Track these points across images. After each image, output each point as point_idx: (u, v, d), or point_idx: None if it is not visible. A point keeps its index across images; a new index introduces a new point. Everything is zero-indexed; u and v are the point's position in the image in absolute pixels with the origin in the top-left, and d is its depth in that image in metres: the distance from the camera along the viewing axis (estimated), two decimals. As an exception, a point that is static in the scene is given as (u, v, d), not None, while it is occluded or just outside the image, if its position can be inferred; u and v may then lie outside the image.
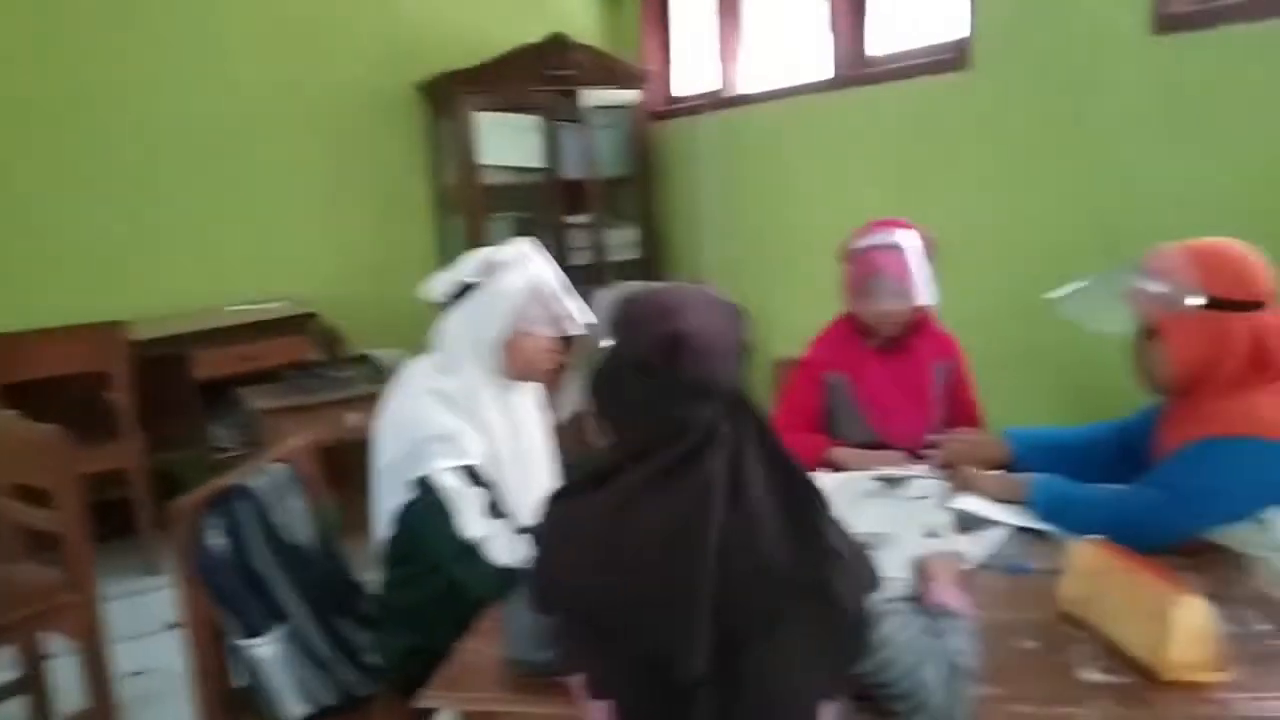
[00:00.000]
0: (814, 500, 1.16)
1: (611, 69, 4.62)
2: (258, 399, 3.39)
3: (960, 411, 2.31)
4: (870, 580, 1.17)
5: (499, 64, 4.29)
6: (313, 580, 1.93)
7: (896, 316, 2.24)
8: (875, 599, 1.15)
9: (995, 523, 1.76)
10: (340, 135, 4.51)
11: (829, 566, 1.12)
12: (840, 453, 2.18)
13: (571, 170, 4.57)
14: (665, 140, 4.81)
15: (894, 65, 3.48)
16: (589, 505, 1.19)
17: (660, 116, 4.81)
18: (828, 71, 3.74)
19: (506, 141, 4.44)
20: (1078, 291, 1.72)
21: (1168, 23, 2.51)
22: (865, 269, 2.23)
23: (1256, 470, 1.50)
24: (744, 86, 4.35)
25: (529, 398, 1.98)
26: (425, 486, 1.75)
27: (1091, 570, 1.38)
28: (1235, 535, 1.58)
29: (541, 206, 4.59)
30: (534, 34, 4.41)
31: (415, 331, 4.57)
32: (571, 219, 4.61)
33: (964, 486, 1.89)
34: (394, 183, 4.65)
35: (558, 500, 1.26)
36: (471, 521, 1.71)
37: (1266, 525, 1.54)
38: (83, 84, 3.96)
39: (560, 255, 4.57)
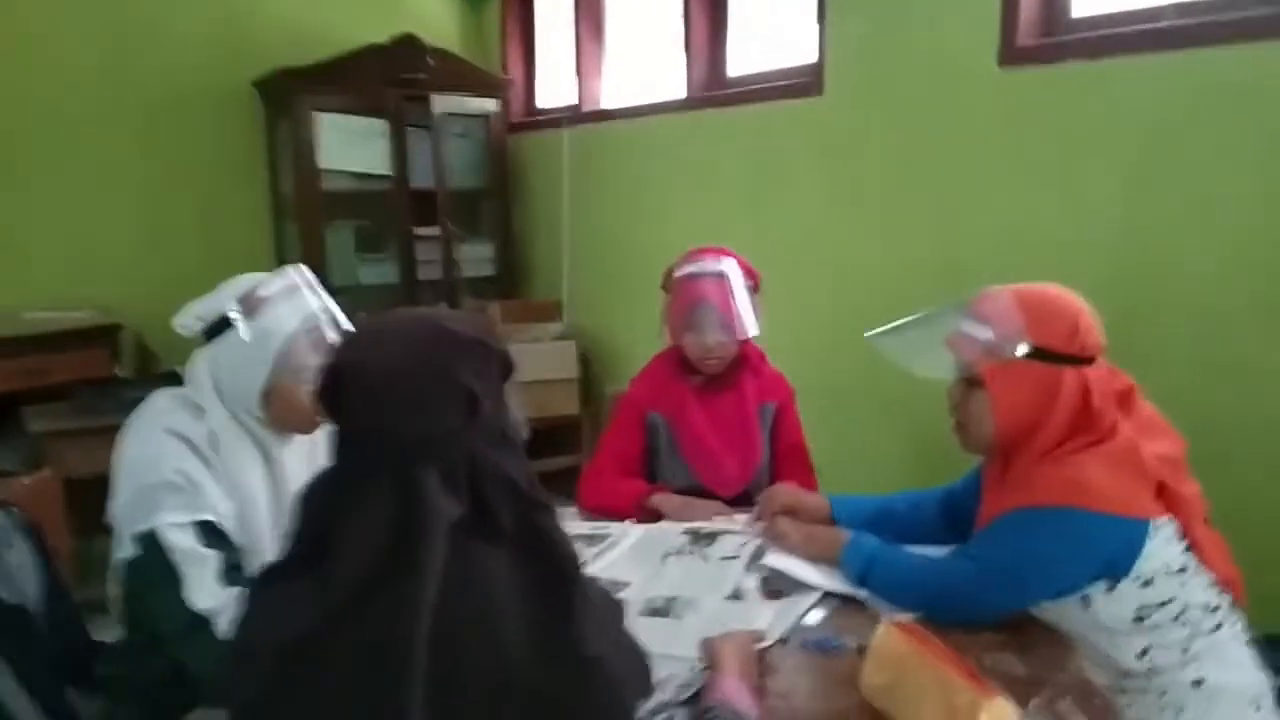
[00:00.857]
0: (572, 595, 0.94)
1: (468, 75, 4.38)
2: (39, 419, 3.02)
3: (788, 456, 2.17)
4: (639, 689, 0.98)
5: (342, 63, 4.01)
6: (28, 646, 1.63)
7: (721, 350, 2.08)
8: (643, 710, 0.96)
9: (806, 586, 1.59)
10: (168, 132, 4.12)
11: (583, 680, 0.91)
12: (661, 500, 1.99)
13: (421, 179, 4.30)
14: (525, 153, 4.60)
15: (749, 87, 3.36)
16: (293, 598, 0.95)
17: (521, 128, 4.60)
18: (681, 91, 3.60)
19: (349, 146, 4.14)
20: (899, 329, 1.58)
21: (1014, 55, 2.45)
22: (688, 298, 2.08)
23: (1076, 544, 1.38)
24: (605, 102, 4.18)
25: (298, 449, 1.69)
26: (150, 543, 1.48)
27: (893, 656, 1.22)
28: (1059, 611, 1.46)
29: (388, 216, 4.30)
30: (385, 34, 4.14)
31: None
32: (421, 231, 4.33)
33: (776, 540, 1.74)
34: (226, 186, 4.29)
35: (266, 581, 1.01)
36: (201, 589, 1.44)
37: (1090, 602, 1.42)
38: None
39: (408, 269, 4.32)
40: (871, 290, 2.89)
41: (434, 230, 4.34)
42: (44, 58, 3.82)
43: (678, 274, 2.11)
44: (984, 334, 1.46)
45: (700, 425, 2.11)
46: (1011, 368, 1.44)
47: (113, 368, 3.41)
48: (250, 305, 1.58)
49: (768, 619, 1.48)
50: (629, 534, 1.83)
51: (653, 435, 2.13)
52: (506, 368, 0.98)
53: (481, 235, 4.59)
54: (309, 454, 1.67)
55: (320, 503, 0.95)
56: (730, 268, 2.09)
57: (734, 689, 1.17)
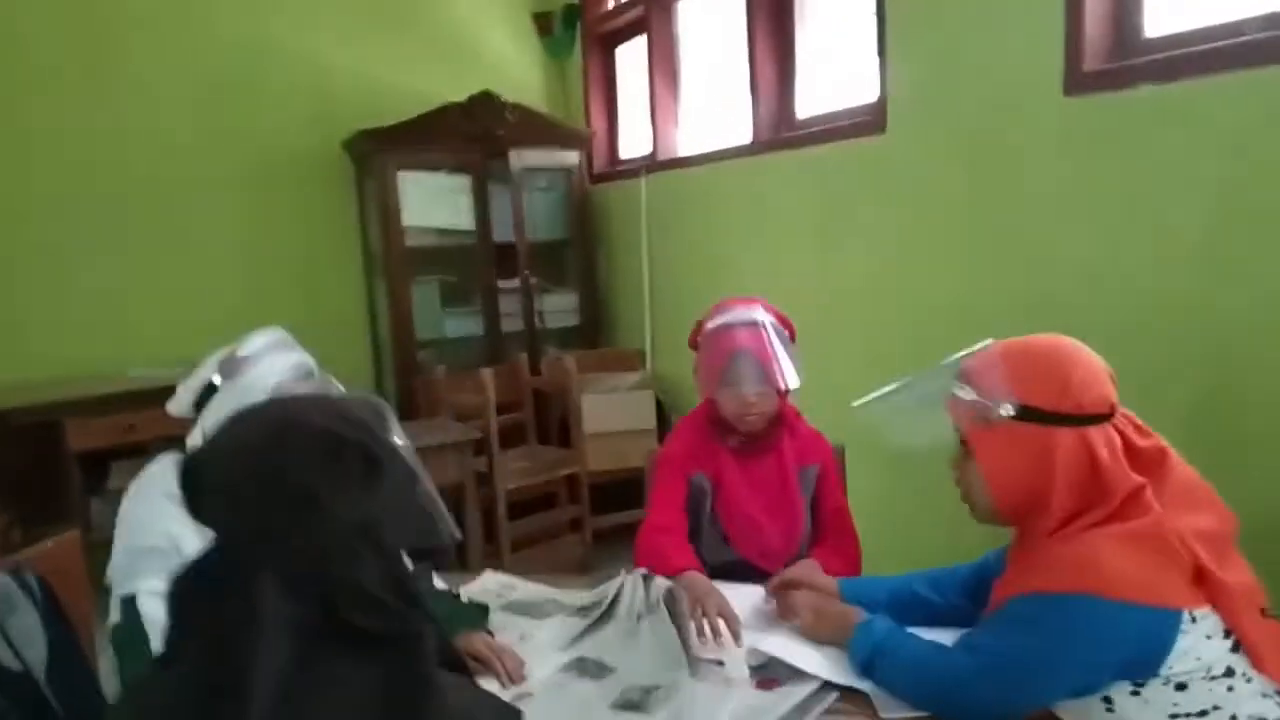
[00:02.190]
0: (423, 711, 0.85)
1: (549, 129, 4.42)
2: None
3: (829, 522, 2.00)
4: None
5: (422, 121, 4.11)
6: (30, 713, 1.64)
7: (762, 404, 1.94)
8: None
9: (804, 674, 1.44)
10: (263, 194, 4.32)
11: None
12: (690, 581, 1.75)
13: (504, 233, 4.34)
14: (607, 203, 4.59)
15: (816, 129, 3.24)
16: (153, 692, 0.90)
17: (603, 179, 4.60)
18: (747, 136, 3.51)
19: (432, 202, 4.23)
20: (891, 395, 1.43)
21: (1080, 82, 2.25)
22: (722, 349, 1.94)
23: (1088, 638, 1.19)
24: (681, 149, 4.13)
25: None
26: (130, 608, 1.47)
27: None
28: (1081, 712, 1.26)
29: (471, 270, 4.35)
30: (469, 92, 4.22)
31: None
32: (504, 283, 4.37)
33: (785, 616, 1.59)
34: (320, 245, 4.45)
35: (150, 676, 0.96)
36: (165, 662, 1.42)
37: (1114, 706, 1.22)
38: None
39: (492, 321, 4.35)
40: (942, 330, 2.69)
41: (516, 283, 4.36)
42: (146, 126, 4.06)
43: (709, 326, 1.98)
44: (969, 395, 1.30)
45: (740, 493, 1.96)
46: (999, 431, 1.28)
47: (198, 425, 3.52)
48: (230, 368, 1.59)
49: (766, 717, 1.34)
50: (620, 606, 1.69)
51: (695, 498, 1.99)
52: (368, 462, 0.90)
53: (566, 286, 4.58)
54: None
55: (179, 599, 0.90)
56: (763, 315, 1.96)
57: None
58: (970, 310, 2.62)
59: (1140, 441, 1.27)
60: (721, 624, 1.58)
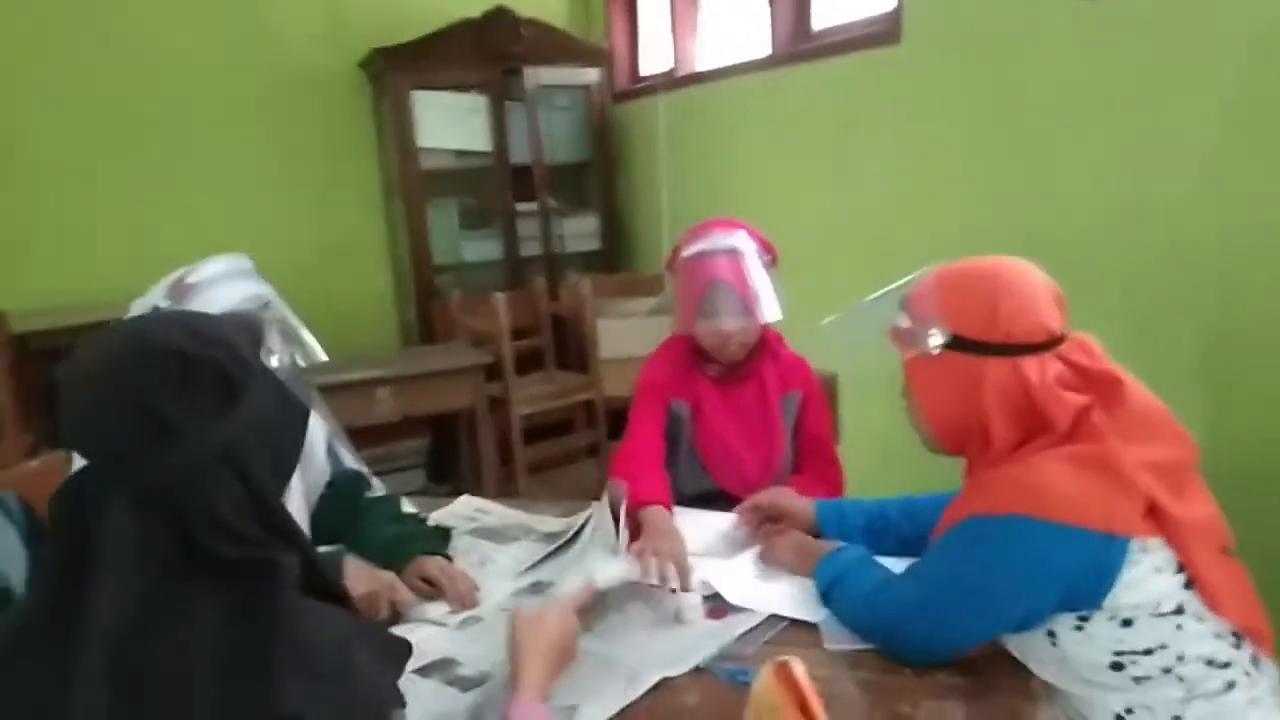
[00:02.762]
0: (274, 643, 0.81)
1: (566, 46, 4.30)
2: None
3: (808, 449, 1.95)
4: None
5: (435, 39, 4.01)
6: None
7: (741, 336, 1.88)
8: None
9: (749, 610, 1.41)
10: (284, 116, 4.26)
11: None
12: (649, 517, 1.67)
13: (522, 154, 4.26)
14: (627, 123, 4.47)
15: (831, 40, 3.09)
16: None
17: (625, 97, 4.48)
18: (766, 48, 3.37)
19: (447, 123, 4.15)
20: (840, 321, 1.36)
21: (1099, -17, 2.09)
22: (699, 280, 1.87)
23: (1027, 561, 1.13)
24: (699, 64, 3.99)
25: None
26: None
27: (765, 705, 1.04)
28: (1025, 648, 1.21)
29: (489, 193, 4.30)
30: (485, 8, 4.11)
31: (361, 328, 4.45)
32: (522, 206, 4.30)
33: (766, 558, 1.56)
34: (339, 169, 4.40)
35: None
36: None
37: (1057, 640, 1.17)
38: None
39: (511, 245, 4.30)
40: (956, 250, 2.57)
41: (534, 206, 4.30)
42: (162, 49, 4.00)
43: (685, 253, 1.91)
44: (905, 323, 1.24)
45: (719, 421, 1.92)
46: (931, 361, 1.23)
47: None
48: (178, 293, 1.54)
49: (705, 646, 1.32)
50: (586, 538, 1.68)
51: (673, 426, 1.95)
52: (225, 382, 0.87)
53: (586, 209, 4.51)
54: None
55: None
56: (744, 242, 1.88)
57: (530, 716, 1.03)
58: (984, 230, 2.51)
59: (1091, 365, 1.18)
60: (671, 568, 1.50)
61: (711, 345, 1.90)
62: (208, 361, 0.85)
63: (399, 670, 0.93)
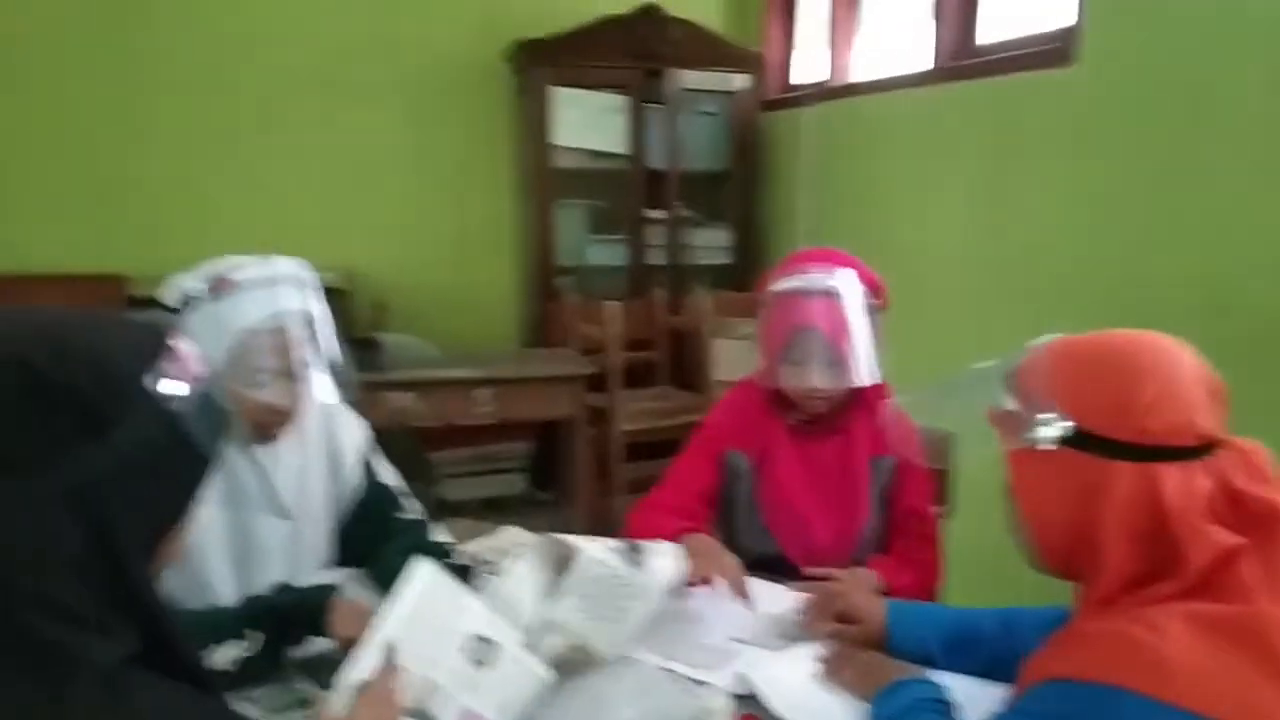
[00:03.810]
0: None
1: (716, 50, 4.09)
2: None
3: (903, 525, 1.68)
4: None
5: (580, 35, 3.88)
6: None
7: (827, 392, 1.64)
8: None
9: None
10: (428, 103, 4.21)
11: None
12: (693, 541, 1.52)
13: (657, 159, 4.09)
14: (774, 133, 4.23)
15: (998, 57, 2.77)
16: None
17: (775, 106, 4.23)
18: (927, 62, 3.07)
19: (585, 122, 4.02)
20: (931, 396, 1.11)
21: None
22: (787, 321, 1.64)
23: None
24: (854, 75, 3.71)
25: (251, 460, 1.49)
26: None
27: None
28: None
29: (621, 196, 4.14)
30: (634, 6, 3.95)
31: (483, 324, 4.38)
32: (652, 213, 4.13)
33: (826, 671, 1.31)
34: (476, 160, 4.33)
35: None
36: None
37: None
38: (137, 21, 3.83)
39: (636, 252, 4.14)
40: (1118, 309, 2.24)
41: (665, 214, 4.12)
42: (312, 28, 4.02)
43: (774, 287, 1.68)
44: (1010, 404, 0.97)
45: (789, 478, 1.68)
46: (1041, 456, 0.95)
47: (328, 330, 3.54)
48: (218, 287, 1.42)
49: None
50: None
51: (731, 480, 1.73)
52: (86, 413, 0.70)
53: (719, 221, 4.29)
54: (270, 459, 1.50)
55: None
56: (846, 283, 1.63)
57: None
58: (1156, 285, 2.18)
59: (1252, 491, 0.89)
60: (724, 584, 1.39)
61: (794, 393, 1.67)
62: (63, 383, 0.70)
63: None
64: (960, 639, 1.31)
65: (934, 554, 1.69)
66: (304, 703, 1.25)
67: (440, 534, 1.64)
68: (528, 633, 1.22)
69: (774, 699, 1.21)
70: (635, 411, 3.60)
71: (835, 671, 1.28)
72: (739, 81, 4.13)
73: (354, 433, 1.64)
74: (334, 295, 3.68)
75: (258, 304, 1.40)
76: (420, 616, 1.13)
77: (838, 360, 1.60)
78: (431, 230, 4.30)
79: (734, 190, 4.25)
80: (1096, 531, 0.92)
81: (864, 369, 1.59)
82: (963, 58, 2.96)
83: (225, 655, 1.24)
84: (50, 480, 0.69)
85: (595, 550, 1.28)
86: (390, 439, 3.78)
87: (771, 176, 4.25)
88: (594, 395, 3.51)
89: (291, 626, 1.30)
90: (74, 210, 3.78)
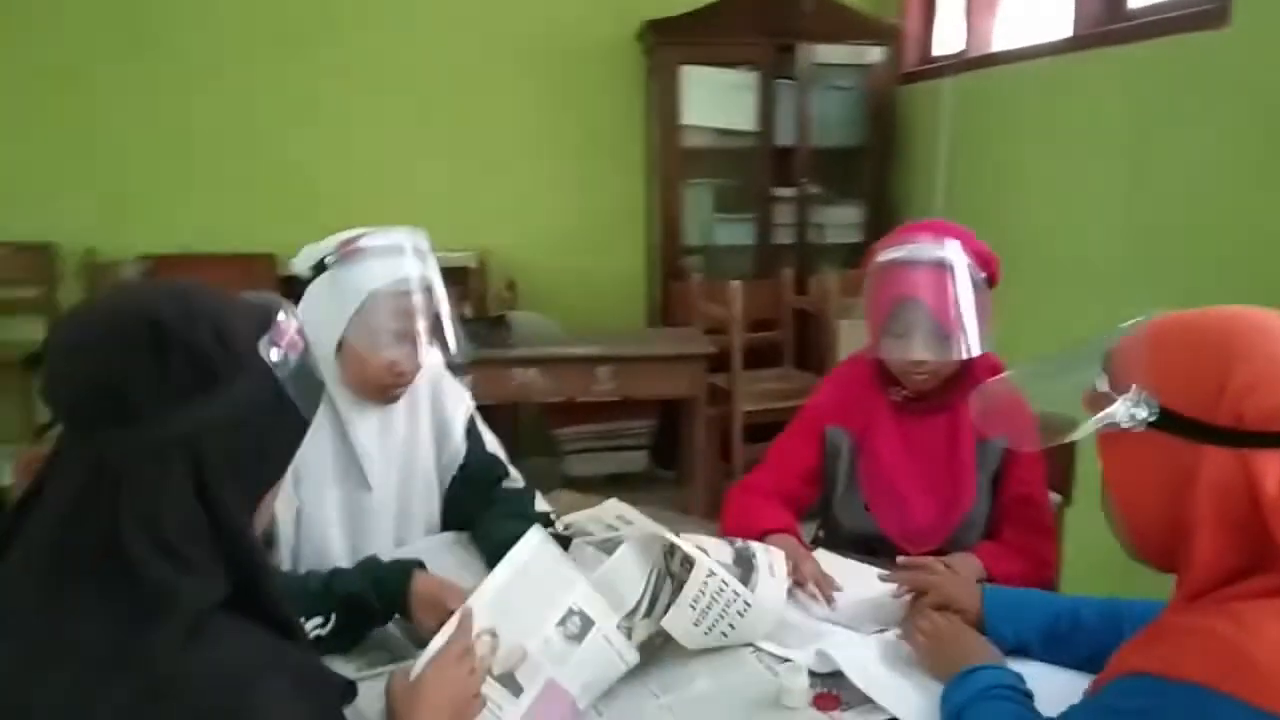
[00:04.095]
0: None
1: (851, 22, 3.99)
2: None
3: (1013, 511, 1.61)
4: None
5: (709, 12, 3.86)
6: None
7: (932, 367, 1.59)
8: None
9: (874, 705, 1.15)
10: (559, 85, 4.28)
11: None
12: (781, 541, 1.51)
13: (787, 136, 4.02)
14: (911, 107, 4.09)
15: (1145, 20, 2.60)
16: None
17: (913, 78, 4.09)
18: (1067, 28, 2.91)
19: (713, 100, 4.00)
20: (1026, 374, 1.06)
21: None
22: (891, 292, 1.60)
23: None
24: (995, 45, 3.55)
25: (372, 421, 1.56)
26: None
27: None
28: None
29: (749, 174, 4.10)
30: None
31: (611, 303, 4.42)
32: (781, 191, 4.07)
33: (907, 639, 1.28)
34: (607, 139, 4.37)
35: None
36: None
37: None
38: (281, 7, 4.03)
39: (764, 231, 4.10)
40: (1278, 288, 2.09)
41: (791, 191, 4.05)
42: (448, 12, 4.13)
43: (880, 258, 1.64)
44: (1103, 385, 0.91)
45: (890, 456, 1.64)
46: (1131, 440, 0.89)
47: (460, 306, 3.66)
48: (347, 253, 1.49)
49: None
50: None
51: (831, 457, 1.71)
52: (203, 369, 0.76)
53: (851, 198, 4.18)
54: (382, 427, 1.57)
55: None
56: (954, 254, 1.57)
57: None
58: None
59: None
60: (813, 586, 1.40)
61: (897, 367, 1.63)
62: (186, 340, 0.76)
63: (320, 709, 0.80)
64: (1060, 630, 1.25)
65: (1047, 545, 1.61)
66: (399, 663, 1.30)
67: (541, 503, 1.68)
68: (626, 617, 1.23)
69: (856, 675, 1.18)
70: (756, 392, 3.57)
71: (913, 636, 1.25)
72: (875, 54, 4.02)
73: (460, 402, 1.70)
74: (467, 274, 3.87)
75: (383, 268, 1.47)
76: (523, 584, 1.16)
77: (942, 332, 1.54)
78: (561, 211, 4.38)
79: (867, 166, 4.14)
80: (1187, 520, 0.86)
81: (969, 342, 1.53)
82: (1107, 22, 2.79)
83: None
84: (167, 425, 0.75)
85: (710, 563, 1.27)
86: (516, 413, 3.94)
87: (906, 151, 4.12)
88: (716, 375, 3.50)
89: (368, 615, 1.33)
90: (235, 195, 4.04)
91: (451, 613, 1.11)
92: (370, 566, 1.39)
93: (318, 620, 1.28)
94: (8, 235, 3.83)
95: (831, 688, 1.20)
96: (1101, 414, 0.90)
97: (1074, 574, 1.75)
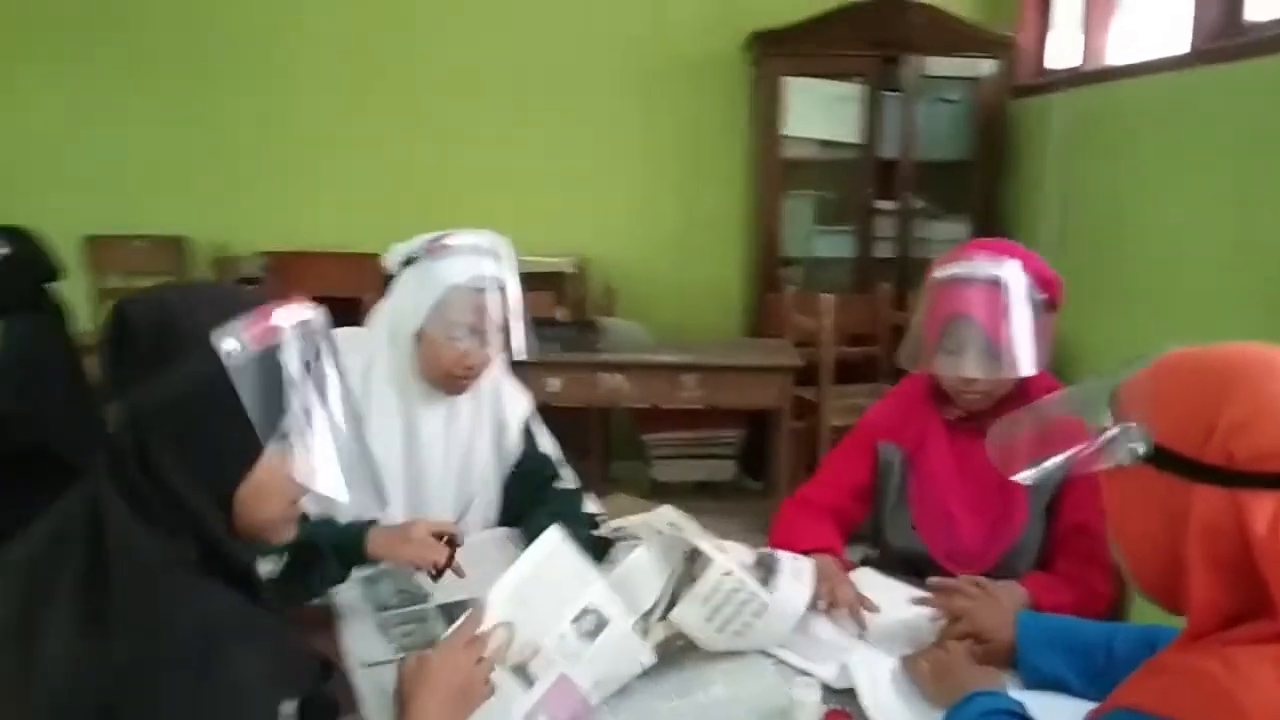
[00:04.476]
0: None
1: (962, 34, 3.90)
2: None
3: (1067, 541, 1.57)
4: None
5: (817, 23, 3.84)
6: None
7: (984, 386, 1.57)
8: None
9: None
10: (664, 95, 4.31)
11: None
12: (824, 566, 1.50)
13: (892, 149, 3.97)
14: (1022, 122, 3.97)
15: (1266, 35, 2.47)
16: None
17: (1027, 92, 3.98)
18: (1185, 43, 2.78)
19: (817, 111, 3.97)
20: (1045, 406, 1.04)
21: None
22: (944, 308, 1.59)
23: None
24: (1110, 59, 3.42)
25: (440, 413, 1.66)
26: None
27: None
28: None
29: (850, 187, 4.06)
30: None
31: (707, 312, 4.44)
32: (884, 204, 4.02)
33: (907, 666, 1.27)
34: (710, 151, 4.38)
35: None
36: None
37: None
38: (397, 18, 4.19)
39: (864, 244, 4.05)
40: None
41: (893, 204, 4.00)
42: (558, 26, 4.24)
43: (936, 274, 1.62)
44: (1107, 419, 0.89)
45: (940, 475, 1.63)
46: (1128, 476, 0.87)
47: (554, 310, 3.75)
48: (433, 249, 1.60)
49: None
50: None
51: (884, 474, 1.70)
52: (154, 350, 0.85)
53: (957, 213, 4.09)
54: (448, 417, 1.65)
55: None
56: (1011, 273, 1.55)
57: None
58: None
59: None
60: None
61: (950, 387, 1.61)
62: (140, 327, 0.86)
63: (283, 687, 0.86)
64: (1096, 663, 1.21)
65: (1102, 575, 1.55)
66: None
67: (590, 505, 1.73)
68: (642, 618, 1.26)
69: (866, 698, 1.18)
70: (845, 406, 3.52)
71: (913, 667, 1.24)
72: (985, 67, 3.92)
73: (518, 403, 1.77)
74: (564, 278, 3.94)
75: (463, 266, 1.58)
76: (541, 580, 1.20)
77: (994, 351, 1.52)
78: (661, 219, 4.43)
79: (975, 180, 4.04)
80: (1184, 560, 0.83)
81: (1021, 362, 1.51)
82: (1227, 37, 2.65)
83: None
84: (125, 399, 0.85)
85: (727, 562, 1.29)
86: (608, 417, 4.00)
87: (1016, 166, 4.00)
88: (806, 388, 3.49)
89: (316, 555, 1.41)
90: (347, 197, 4.25)
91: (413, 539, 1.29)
92: (329, 521, 1.46)
93: (273, 558, 1.34)
94: (144, 229, 4.14)
95: (845, 705, 1.20)
96: (1099, 448, 0.88)
97: (1145, 603, 1.68)
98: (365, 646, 1.36)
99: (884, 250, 4.05)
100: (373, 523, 1.47)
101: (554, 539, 1.24)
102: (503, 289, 1.61)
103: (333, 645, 1.36)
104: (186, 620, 0.79)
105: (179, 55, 4.14)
